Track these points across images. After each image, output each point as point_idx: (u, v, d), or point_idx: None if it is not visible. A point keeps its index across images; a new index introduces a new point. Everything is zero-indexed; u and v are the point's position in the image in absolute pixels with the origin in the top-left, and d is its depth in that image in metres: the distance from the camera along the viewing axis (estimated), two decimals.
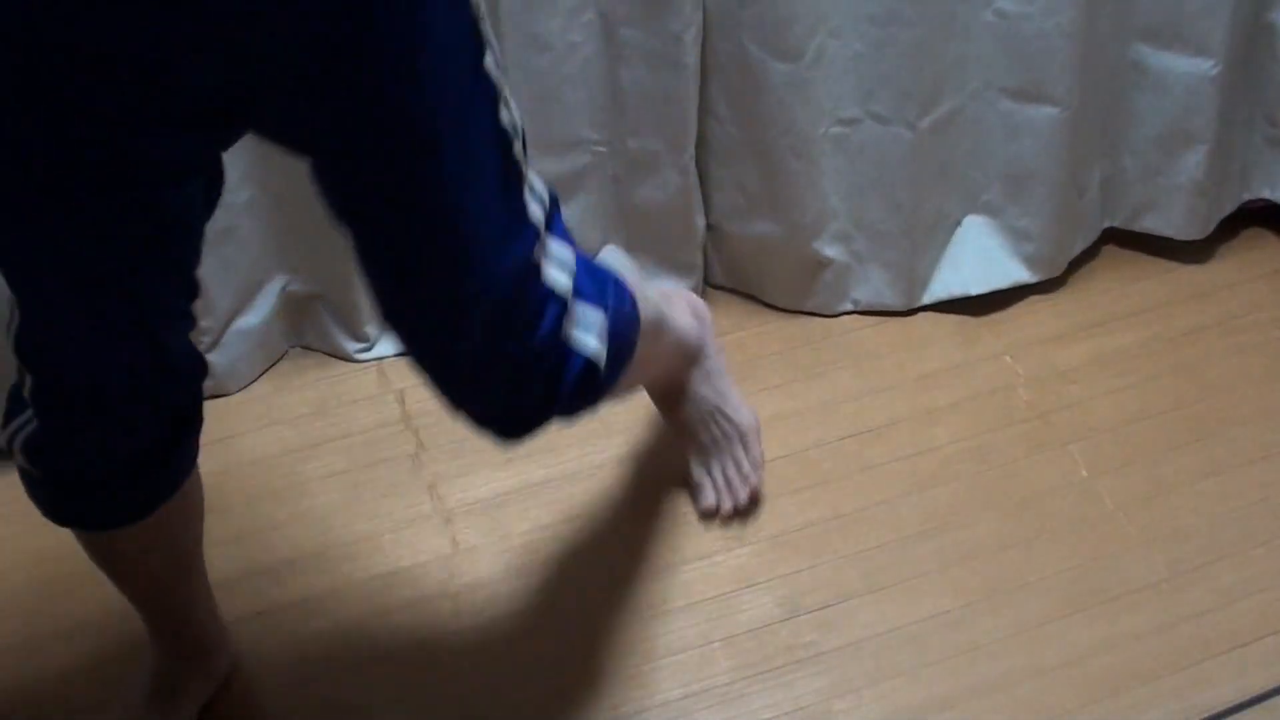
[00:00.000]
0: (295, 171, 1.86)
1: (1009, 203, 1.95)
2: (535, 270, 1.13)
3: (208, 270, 1.81)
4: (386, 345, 1.95)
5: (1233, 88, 1.93)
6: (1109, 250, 2.08)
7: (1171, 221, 2.02)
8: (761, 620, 1.59)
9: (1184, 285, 2.02)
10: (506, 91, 1.06)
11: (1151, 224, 2.04)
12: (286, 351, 1.98)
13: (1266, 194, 2.07)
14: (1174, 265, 2.05)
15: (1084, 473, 1.76)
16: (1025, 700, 1.51)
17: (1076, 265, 2.04)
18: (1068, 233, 1.99)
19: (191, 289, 1.16)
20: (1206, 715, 1.48)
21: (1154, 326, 1.96)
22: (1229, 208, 2.06)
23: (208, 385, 1.90)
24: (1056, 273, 2.00)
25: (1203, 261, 2.06)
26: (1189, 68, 1.90)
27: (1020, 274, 1.97)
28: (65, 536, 1.73)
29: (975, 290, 1.97)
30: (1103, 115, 1.95)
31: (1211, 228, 2.04)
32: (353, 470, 1.80)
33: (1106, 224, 2.06)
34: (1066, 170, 1.93)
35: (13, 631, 1.62)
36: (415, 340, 1.16)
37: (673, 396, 1.66)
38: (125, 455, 1.20)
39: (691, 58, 1.78)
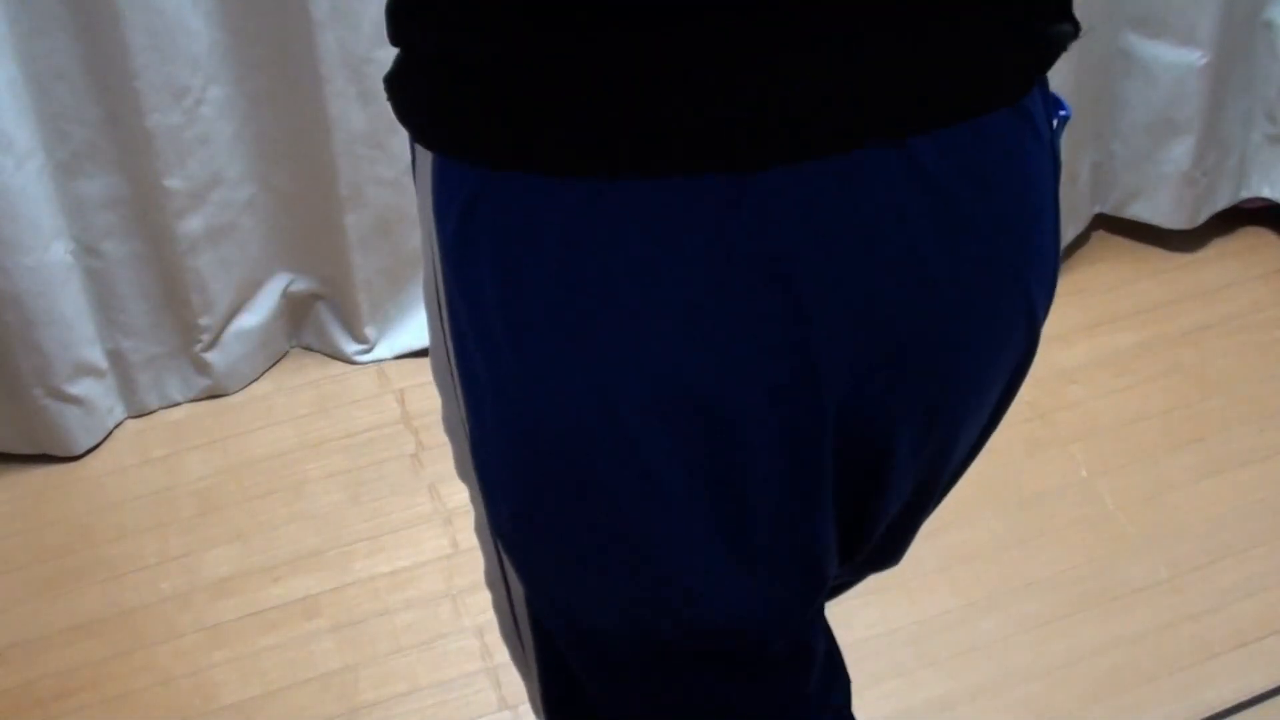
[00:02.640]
0: (297, 170, 1.86)
1: None
2: None
3: (208, 269, 1.82)
4: (386, 347, 1.95)
5: (1223, 80, 1.94)
6: (1104, 242, 2.09)
7: (1160, 209, 2.03)
8: None
9: (1184, 285, 2.03)
10: None
11: (1140, 211, 2.05)
12: (287, 351, 1.98)
13: (1266, 192, 2.07)
14: (1172, 265, 2.06)
15: (1084, 473, 1.76)
16: (1025, 700, 1.51)
17: (1070, 254, 2.05)
18: (1061, 218, 2.00)
19: None
20: (1206, 715, 1.48)
21: (1154, 326, 1.96)
22: (1223, 202, 2.07)
23: (208, 385, 1.91)
24: None
25: (1201, 258, 2.07)
26: (1176, 58, 1.90)
27: None
28: (65, 536, 1.73)
29: None
30: (1093, 102, 1.96)
31: (1201, 219, 2.05)
32: (353, 470, 1.80)
33: (1096, 209, 2.07)
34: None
35: (13, 631, 1.62)
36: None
37: None
38: None
39: None
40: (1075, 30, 0.74)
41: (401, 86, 0.71)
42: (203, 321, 1.84)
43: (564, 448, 0.71)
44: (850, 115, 0.66)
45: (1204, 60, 1.90)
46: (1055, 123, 0.76)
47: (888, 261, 0.69)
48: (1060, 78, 1.86)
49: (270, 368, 1.95)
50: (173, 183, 1.72)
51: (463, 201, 0.68)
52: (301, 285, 1.92)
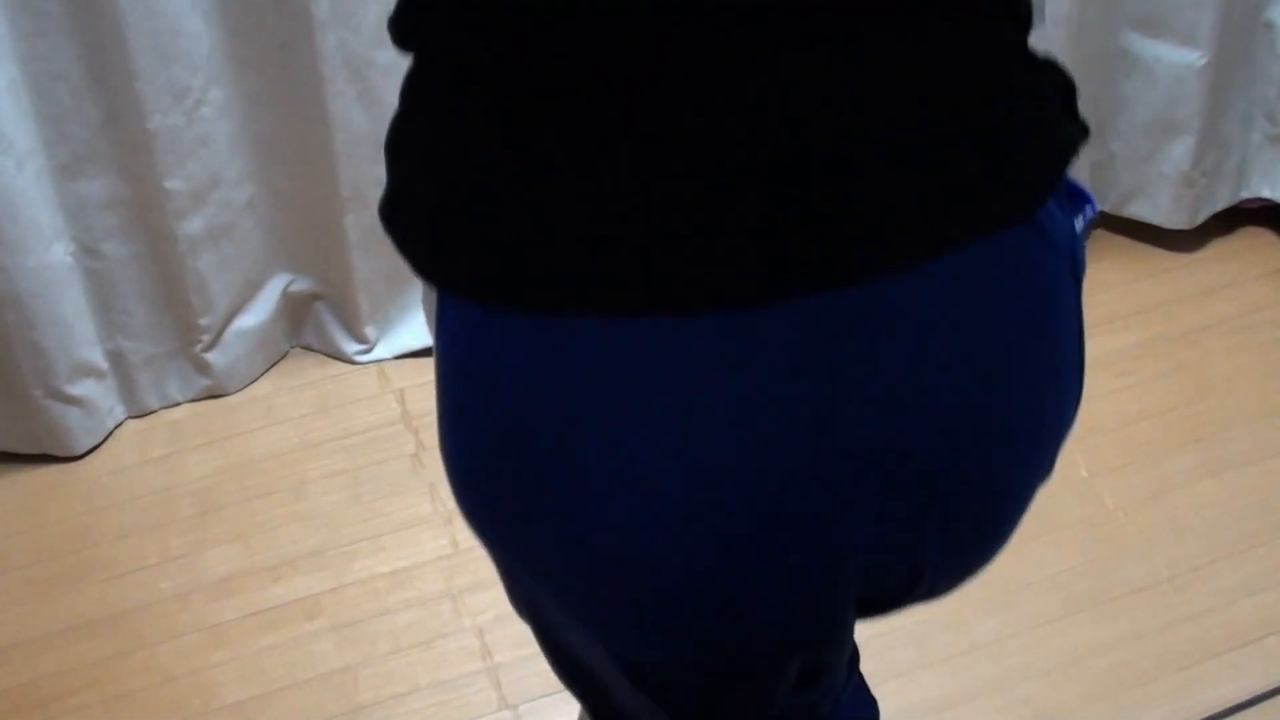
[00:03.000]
0: (297, 170, 1.86)
1: None
2: None
3: (208, 269, 1.82)
4: (386, 347, 1.95)
5: (1222, 81, 1.94)
6: (1103, 241, 2.09)
7: (1159, 209, 2.03)
8: None
9: (1184, 285, 2.03)
10: None
11: (1139, 210, 2.05)
12: (287, 351, 1.98)
13: (1266, 192, 2.07)
14: (1172, 265, 2.06)
15: (1084, 473, 1.76)
16: (1025, 700, 1.51)
17: None
18: None
19: None
20: (1206, 715, 1.48)
21: (1154, 326, 1.96)
22: (1222, 202, 2.07)
23: (208, 385, 1.91)
24: None
25: (1201, 258, 2.07)
26: (1176, 58, 1.91)
27: None
28: (65, 536, 1.73)
29: None
30: (1093, 101, 1.96)
31: (1200, 219, 2.05)
32: (353, 470, 1.80)
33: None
34: None
35: (13, 631, 1.62)
36: None
37: None
38: None
39: None
40: (1085, 132, 0.73)
41: (396, 218, 0.70)
42: (203, 322, 1.84)
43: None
44: (858, 247, 0.64)
45: (1204, 60, 1.90)
46: (1080, 222, 0.74)
47: (905, 391, 0.67)
48: None
49: (270, 368, 1.95)
50: (173, 184, 1.72)
51: (464, 333, 0.67)
52: (301, 285, 1.92)
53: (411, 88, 0.67)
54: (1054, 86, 0.71)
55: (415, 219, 0.68)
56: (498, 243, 0.64)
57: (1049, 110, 0.70)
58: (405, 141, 0.68)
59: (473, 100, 0.64)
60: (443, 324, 0.68)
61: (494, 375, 0.66)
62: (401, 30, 0.66)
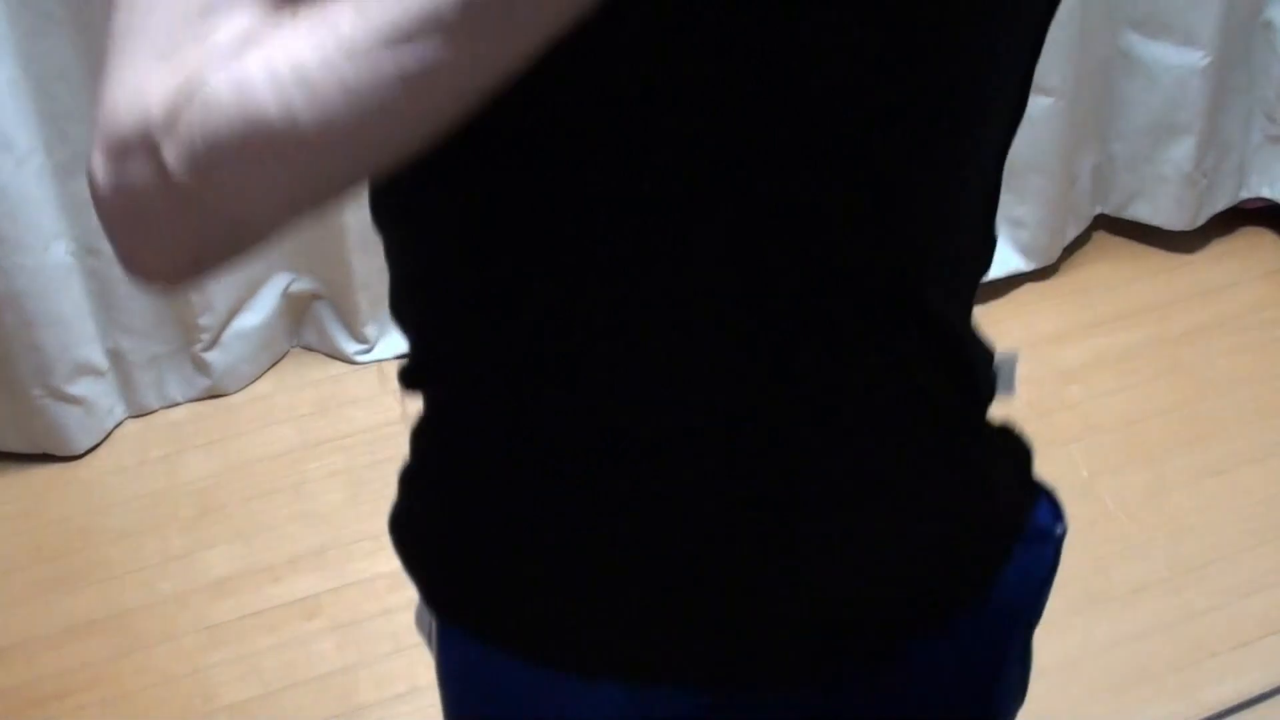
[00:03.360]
0: None
1: (1004, 191, 1.95)
2: None
3: None
4: (386, 347, 1.95)
5: (1224, 81, 1.94)
6: (1104, 243, 2.09)
7: (1160, 210, 2.03)
8: None
9: (1184, 284, 2.03)
10: None
11: (1140, 212, 2.05)
12: (287, 351, 1.98)
13: (1265, 192, 2.07)
14: (1172, 265, 2.06)
15: (1084, 473, 1.76)
16: (1026, 700, 1.51)
17: (1070, 254, 2.05)
18: (1061, 220, 2.00)
19: None
20: (1206, 715, 1.48)
21: (1154, 326, 1.96)
22: (1223, 202, 2.07)
23: (208, 385, 1.91)
24: (1051, 260, 2.01)
25: (1201, 258, 2.07)
26: (1178, 58, 1.91)
27: (1015, 262, 1.98)
28: (65, 536, 1.73)
29: None
30: (1094, 103, 1.96)
31: (1201, 219, 2.05)
32: (353, 470, 1.80)
33: (1097, 210, 2.08)
34: (1060, 158, 1.93)
35: (13, 631, 1.62)
36: None
37: None
38: None
39: None
40: (1040, 495, 0.74)
41: (404, 540, 0.72)
42: (203, 321, 1.84)
43: None
44: (817, 646, 0.67)
45: (1205, 61, 1.90)
46: (1059, 531, 0.75)
47: None
48: (1061, 78, 1.87)
49: (270, 368, 1.95)
50: None
51: (460, 659, 0.71)
52: (301, 285, 1.92)
53: (419, 435, 0.69)
54: (1005, 456, 0.71)
55: (419, 548, 0.71)
56: (493, 591, 0.67)
57: (994, 487, 0.70)
58: (414, 482, 0.70)
59: (470, 458, 0.66)
60: (442, 645, 0.72)
61: (484, 703, 0.71)
62: (409, 380, 0.68)
